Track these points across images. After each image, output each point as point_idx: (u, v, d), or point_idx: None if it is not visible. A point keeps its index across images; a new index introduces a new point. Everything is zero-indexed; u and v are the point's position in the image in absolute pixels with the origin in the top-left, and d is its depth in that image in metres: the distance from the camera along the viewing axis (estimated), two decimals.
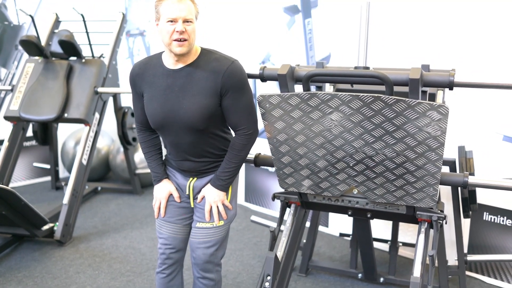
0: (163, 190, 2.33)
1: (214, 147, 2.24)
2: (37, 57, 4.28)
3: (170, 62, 2.13)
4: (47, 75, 4.15)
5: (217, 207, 2.27)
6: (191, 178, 2.30)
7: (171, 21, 2.01)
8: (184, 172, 2.31)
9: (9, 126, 4.24)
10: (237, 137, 2.21)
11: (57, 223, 3.83)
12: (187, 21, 2.04)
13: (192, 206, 2.35)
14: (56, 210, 4.25)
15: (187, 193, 2.32)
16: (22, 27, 5.29)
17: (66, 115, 4.01)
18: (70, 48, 4.13)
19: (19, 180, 5.37)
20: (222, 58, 2.12)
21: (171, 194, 2.35)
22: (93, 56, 4.36)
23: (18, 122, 4.23)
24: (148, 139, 2.35)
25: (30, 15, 4.26)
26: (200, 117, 2.11)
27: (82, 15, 4.25)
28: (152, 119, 2.18)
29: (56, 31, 4.48)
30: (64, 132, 5.47)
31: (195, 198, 2.33)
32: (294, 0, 4.11)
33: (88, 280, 3.29)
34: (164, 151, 2.39)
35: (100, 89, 4.13)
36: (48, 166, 5.27)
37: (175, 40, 2.02)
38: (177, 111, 2.11)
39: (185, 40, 2.04)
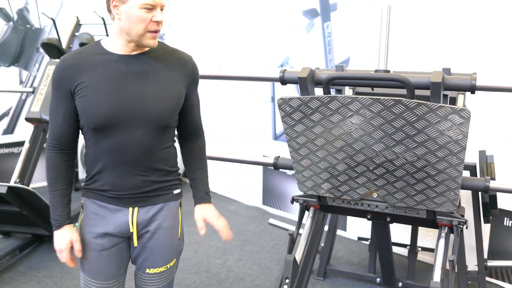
0: (64, 239, 1.81)
1: (165, 159, 1.83)
2: (58, 60, 4.33)
3: (122, 49, 1.72)
4: None
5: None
6: (131, 209, 1.81)
7: (148, 8, 1.63)
8: (120, 200, 1.80)
9: (30, 128, 4.29)
10: (199, 138, 1.97)
11: (76, 224, 3.86)
12: (163, 8, 1.69)
13: (136, 245, 1.87)
14: (75, 210, 4.26)
15: (131, 230, 1.83)
16: (43, 30, 5.36)
17: None
18: None
19: (40, 181, 5.43)
20: (180, 51, 1.86)
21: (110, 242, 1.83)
22: None
23: (39, 124, 4.28)
24: (61, 164, 1.81)
25: (52, 18, 4.31)
26: (170, 107, 1.77)
27: (102, 18, 4.29)
28: (98, 114, 1.68)
29: (77, 34, 4.53)
30: None
31: (140, 236, 1.86)
32: (313, 3, 4.11)
33: None
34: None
35: None
36: None
37: (150, 32, 1.66)
38: (139, 101, 1.70)
39: (158, 31, 1.70)
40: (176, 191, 1.89)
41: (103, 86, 1.68)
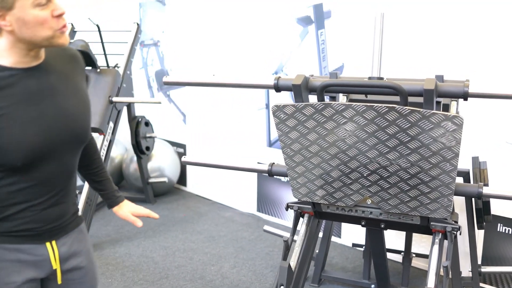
0: None
1: (75, 177, 1.67)
2: None
3: (20, 61, 1.40)
4: None
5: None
6: (48, 244, 1.56)
7: (42, 4, 1.33)
8: (38, 237, 1.53)
9: None
10: (91, 139, 1.81)
11: None
12: None
13: (60, 282, 1.62)
14: None
15: (54, 267, 1.59)
16: None
17: None
18: (85, 58, 4.18)
19: None
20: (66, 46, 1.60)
21: None
22: (108, 66, 4.41)
23: None
24: None
25: None
26: (89, 119, 1.60)
27: (97, 25, 4.30)
28: (25, 149, 1.39)
29: (71, 41, 4.53)
30: None
31: (66, 271, 1.62)
32: (307, 11, 4.14)
33: None
34: None
35: (114, 99, 4.17)
36: None
37: (59, 30, 1.39)
38: (64, 122, 1.48)
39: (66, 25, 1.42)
40: (79, 212, 1.72)
41: (20, 112, 1.38)
